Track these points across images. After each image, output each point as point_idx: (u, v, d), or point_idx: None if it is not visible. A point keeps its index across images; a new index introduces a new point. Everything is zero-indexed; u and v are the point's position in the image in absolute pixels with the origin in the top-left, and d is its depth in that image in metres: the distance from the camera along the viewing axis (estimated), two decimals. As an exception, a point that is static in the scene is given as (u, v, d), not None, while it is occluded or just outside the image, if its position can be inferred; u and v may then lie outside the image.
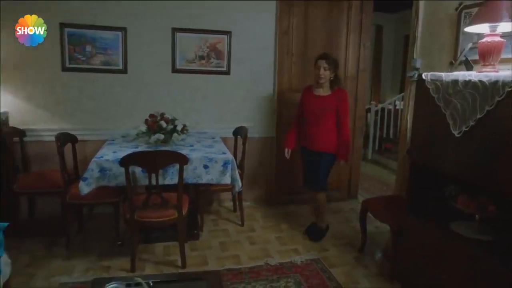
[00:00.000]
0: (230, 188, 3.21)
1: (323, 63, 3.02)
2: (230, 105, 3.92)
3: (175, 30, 3.66)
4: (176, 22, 3.65)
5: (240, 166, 3.45)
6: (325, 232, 3.40)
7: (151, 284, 1.40)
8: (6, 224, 2.14)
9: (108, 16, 3.50)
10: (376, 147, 6.55)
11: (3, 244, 2.11)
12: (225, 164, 2.88)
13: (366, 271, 2.88)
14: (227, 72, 3.86)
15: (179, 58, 3.72)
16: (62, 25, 3.43)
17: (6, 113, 3.41)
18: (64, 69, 3.50)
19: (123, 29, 3.55)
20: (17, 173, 3.27)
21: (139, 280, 1.34)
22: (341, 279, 2.73)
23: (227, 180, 2.90)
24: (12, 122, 3.45)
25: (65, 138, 3.15)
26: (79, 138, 3.40)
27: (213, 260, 2.95)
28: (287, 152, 3.30)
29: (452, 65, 2.54)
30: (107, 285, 1.48)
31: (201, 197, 3.40)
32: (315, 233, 3.36)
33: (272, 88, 4.00)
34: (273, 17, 3.89)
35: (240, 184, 2.99)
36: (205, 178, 2.87)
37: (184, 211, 2.75)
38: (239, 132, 3.64)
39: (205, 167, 2.85)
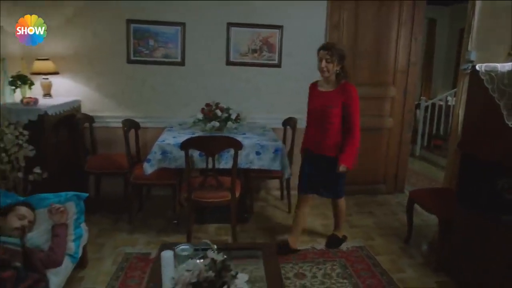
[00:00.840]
0: (279, 175, 3.37)
1: (324, 55, 2.62)
2: (280, 97, 4.06)
3: (230, 24, 3.86)
4: (231, 17, 3.85)
5: (289, 156, 3.58)
6: (341, 241, 3.11)
7: (216, 247, 1.58)
8: (86, 194, 2.45)
9: (169, 13, 3.76)
10: (425, 144, 6.41)
11: (83, 211, 2.42)
12: (276, 151, 3.04)
13: (411, 261, 2.92)
14: (278, 65, 4.00)
15: (233, 51, 3.92)
16: (129, 21, 3.74)
17: (78, 101, 3.78)
18: (129, 61, 3.82)
19: (182, 24, 3.80)
20: (87, 155, 3.63)
21: (208, 242, 1.52)
22: (386, 266, 2.80)
23: (277, 166, 3.06)
24: (83, 109, 3.82)
25: (130, 124, 3.46)
26: (141, 125, 3.71)
27: (262, 241, 3.13)
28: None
29: (510, 56, 2.52)
30: (176, 246, 1.69)
31: (251, 183, 3.58)
32: (333, 242, 3.09)
33: (321, 81, 4.09)
34: (324, 11, 3.97)
35: (289, 171, 3.13)
36: (257, 164, 3.04)
37: (237, 193, 2.95)
38: (288, 122, 3.77)
39: (257, 153, 3.03)
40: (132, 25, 3.76)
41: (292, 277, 2.61)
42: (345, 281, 2.60)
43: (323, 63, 2.63)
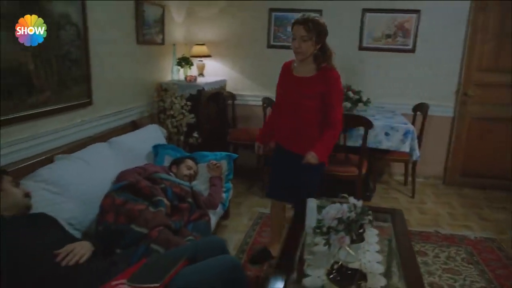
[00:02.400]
0: (404, 158, 3.41)
1: (299, 30, 2.06)
2: (412, 82, 4.03)
3: (365, 10, 3.97)
4: (366, 3, 3.96)
5: (418, 141, 3.57)
6: (266, 258, 2.56)
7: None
8: (236, 155, 2.94)
9: (308, 0, 4.05)
10: None
11: (232, 170, 2.91)
12: (406, 133, 3.12)
13: (554, 260, 2.71)
14: (411, 50, 3.97)
15: (366, 37, 4.03)
16: (271, 10, 4.16)
17: (224, 81, 4.38)
18: (269, 46, 4.26)
19: (319, 12, 4.05)
20: (229, 128, 4.21)
21: (345, 195, 1.78)
22: (521, 261, 2.68)
23: (405, 148, 3.14)
24: (228, 88, 4.42)
25: (268, 102, 3.89)
26: (276, 104, 4.12)
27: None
28: (257, 148, 2.57)
29: None
30: (318, 199, 1.99)
31: (375, 164, 3.69)
32: (258, 256, 2.57)
33: (458, 67, 3.92)
34: (469, -8, 3.78)
35: (417, 153, 3.17)
36: (385, 144, 3.17)
37: (363, 170, 3.13)
38: (419, 108, 3.74)
39: (386, 134, 3.15)
40: (274, 14, 4.18)
41: (413, 253, 2.70)
42: (470, 266, 2.58)
43: (297, 42, 2.10)
